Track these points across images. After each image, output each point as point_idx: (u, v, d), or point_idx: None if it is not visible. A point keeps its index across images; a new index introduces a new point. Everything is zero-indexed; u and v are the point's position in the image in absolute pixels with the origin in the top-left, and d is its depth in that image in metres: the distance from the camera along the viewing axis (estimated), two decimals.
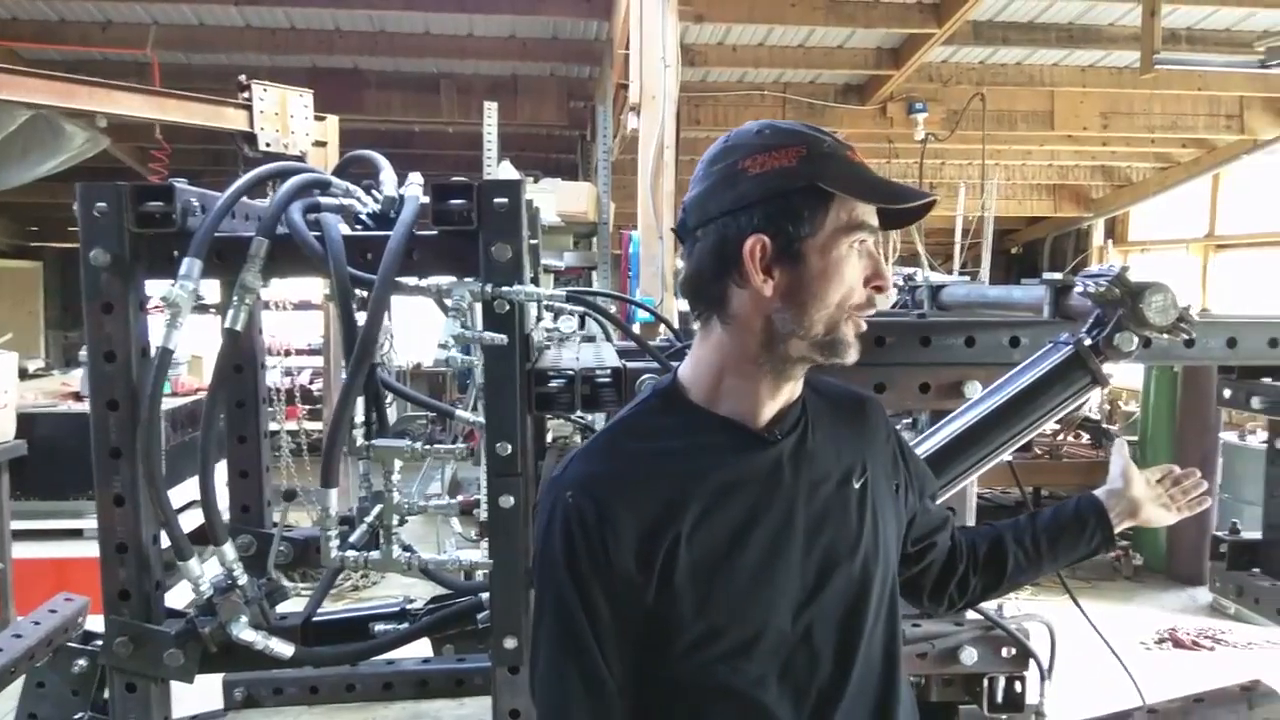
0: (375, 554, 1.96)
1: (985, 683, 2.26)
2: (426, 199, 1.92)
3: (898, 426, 1.61)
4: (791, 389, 1.32)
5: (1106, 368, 1.73)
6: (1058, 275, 2.03)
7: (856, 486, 1.35)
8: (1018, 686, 2.27)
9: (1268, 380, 2.40)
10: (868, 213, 1.24)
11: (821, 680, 1.30)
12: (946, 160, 9.88)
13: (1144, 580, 6.91)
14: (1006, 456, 1.82)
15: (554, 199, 5.79)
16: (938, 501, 1.64)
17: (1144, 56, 4.87)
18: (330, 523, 1.93)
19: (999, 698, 2.27)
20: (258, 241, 1.89)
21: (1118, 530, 1.64)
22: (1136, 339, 1.71)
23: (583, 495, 1.24)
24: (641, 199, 3.98)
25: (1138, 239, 11.58)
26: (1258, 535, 2.62)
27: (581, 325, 2.60)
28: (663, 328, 2.99)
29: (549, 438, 3.20)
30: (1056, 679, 2.29)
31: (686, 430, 1.30)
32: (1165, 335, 1.72)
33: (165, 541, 2.00)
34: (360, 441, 1.93)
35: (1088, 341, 1.73)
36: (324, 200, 2.05)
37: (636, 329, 3.37)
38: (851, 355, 1.27)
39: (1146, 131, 8.33)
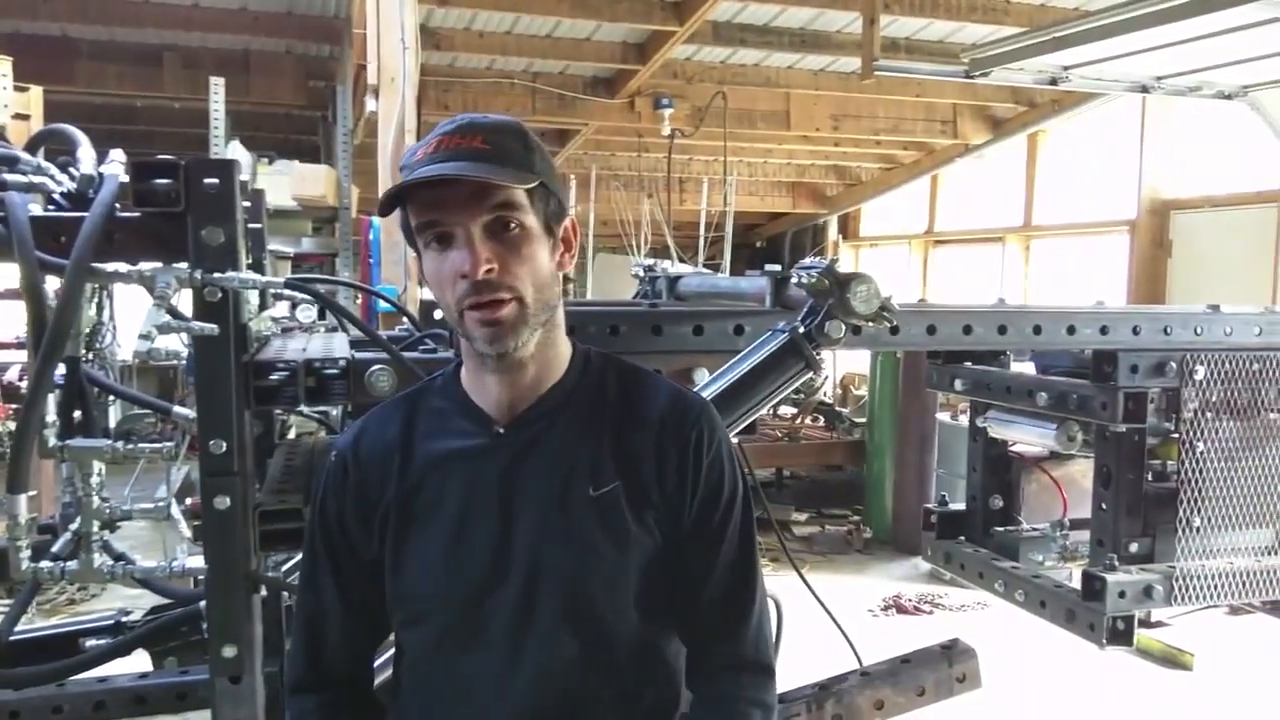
0: (74, 564, 1.79)
1: None
2: (128, 178, 1.77)
3: None
4: (522, 381, 1.35)
5: (820, 354, 1.83)
6: (777, 267, 2.12)
7: (593, 493, 1.33)
8: None
9: (968, 364, 2.63)
10: (433, 209, 1.26)
11: (493, 669, 1.33)
12: (693, 156, 10.20)
13: (874, 552, 7.42)
14: (732, 438, 1.89)
15: (289, 182, 5.54)
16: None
17: (864, 63, 5.22)
18: (21, 532, 1.75)
19: None
20: None
21: None
22: (845, 326, 1.80)
23: (342, 453, 1.43)
24: (382, 183, 3.85)
25: (868, 234, 12.42)
26: (962, 506, 2.87)
27: (322, 315, 2.49)
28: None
29: (292, 433, 3.05)
30: (785, 649, 2.40)
31: (443, 412, 1.41)
32: (871, 323, 1.82)
33: None
34: (53, 442, 1.76)
35: (802, 329, 1.81)
36: (10, 178, 1.85)
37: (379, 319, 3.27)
38: (484, 346, 1.29)
39: (872, 134, 8.92)
